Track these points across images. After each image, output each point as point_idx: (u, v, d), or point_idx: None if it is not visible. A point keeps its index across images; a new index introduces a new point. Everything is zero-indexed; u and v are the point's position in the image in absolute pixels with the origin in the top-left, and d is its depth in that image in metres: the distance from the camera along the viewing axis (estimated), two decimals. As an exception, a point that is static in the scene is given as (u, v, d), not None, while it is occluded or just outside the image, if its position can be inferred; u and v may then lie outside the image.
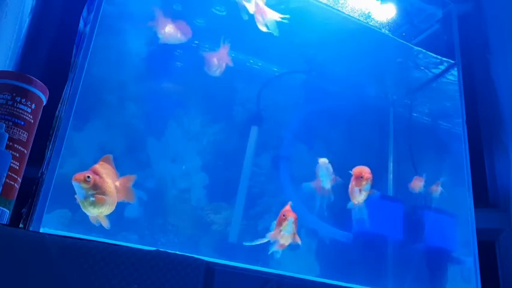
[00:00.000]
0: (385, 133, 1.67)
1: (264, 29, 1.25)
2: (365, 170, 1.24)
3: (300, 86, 1.58)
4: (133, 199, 0.95)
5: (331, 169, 1.29)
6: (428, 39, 1.72)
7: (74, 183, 0.84)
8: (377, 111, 1.70)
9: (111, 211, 0.91)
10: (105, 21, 1.04)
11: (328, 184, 1.29)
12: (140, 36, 1.30)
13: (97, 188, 0.85)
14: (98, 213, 0.88)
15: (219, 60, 1.28)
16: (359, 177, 1.24)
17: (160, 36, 1.22)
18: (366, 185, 1.23)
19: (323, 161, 1.29)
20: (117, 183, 0.91)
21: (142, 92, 1.30)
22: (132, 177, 0.94)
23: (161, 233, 1.20)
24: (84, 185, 0.84)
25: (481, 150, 1.79)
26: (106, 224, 0.91)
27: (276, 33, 1.27)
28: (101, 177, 0.86)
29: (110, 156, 0.92)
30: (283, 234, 1.10)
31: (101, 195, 0.86)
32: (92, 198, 0.85)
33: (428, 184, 1.53)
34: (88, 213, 0.89)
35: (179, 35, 1.24)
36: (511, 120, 1.70)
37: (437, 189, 1.53)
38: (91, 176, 0.84)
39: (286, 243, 1.12)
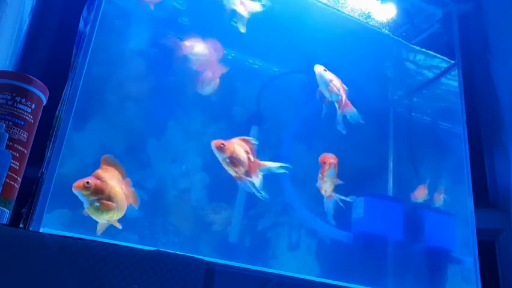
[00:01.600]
0: (385, 133, 1.67)
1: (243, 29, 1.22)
2: (327, 156, 1.21)
3: (300, 86, 1.58)
4: (136, 203, 0.94)
5: (327, 77, 1.22)
6: (428, 39, 1.72)
7: (75, 191, 0.82)
8: (377, 111, 1.70)
9: (122, 214, 0.89)
10: (105, 21, 1.04)
11: (327, 93, 1.23)
12: (140, 36, 1.30)
13: (100, 193, 0.84)
14: (108, 218, 0.87)
15: (212, 72, 1.23)
16: (323, 163, 1.20)
17: (191, 58, 1.19)
18: (328, 170, 1.19)
19: (318, 68, 1.21)
20: (123, 186, 0.90)
21: (142, 92, 1.30)
22: (127, 181, 0.93)
23: (161, 233, 1.20)
24: (85, 192, 0.82)
25: (481, 150, 1.79)
26: (118, 225, 0.89)
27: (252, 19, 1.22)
28: (102, 180, 0.85)
29: (110, 156, 0.90)
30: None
31: (106, 201, 0.84)
32: (96, 204, 0.83)
33: (430, 190, 1.53)
34: (97, 220, 0.87)
35: (210, 52, 1.21)
36: (511, 120, 1.70)
37: (440, 197, 1.52)
38: (90, 182, 0.83)
39: (233, 172, 1.07)
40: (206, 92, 1.24)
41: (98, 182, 0.84)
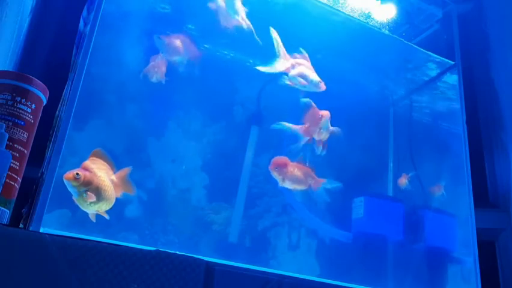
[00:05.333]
0: (385, 133, 1.67)
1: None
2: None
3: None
4: (132, 191, 0.95)
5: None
6: (428, 39, 1.72)
7: (65, 182, 0.83)
8: (377, 111, 1.70)
9: (110, 205, 0.90)
10: (105, 21, 1.04)
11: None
12: (140, 36, 1.30)
13: (89, 184, 0.85)
14: (96, 209, 0.88)
15: (155, 67, 1.25)
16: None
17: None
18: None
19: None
20: (113, 178, 0.90)
21: (142, 92, 1.30)
22: (127, 170, 0.94)
23: (161, 233, 1.20)
24: (74, 183, 0.83)
25: (481, 150, 1.79)
26: (106, 216, 0.91)
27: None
28: (91, 172, 0.85)
29: (100, 150, 0.91)
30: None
31: (92, 193, 0.85)
32: (85, 195, 0.85)
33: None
34: (87, 211, 0.89)
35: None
36: (511, 120, 1.70)
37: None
38: (80, 173, 0.84)
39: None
40: (154, 79, 1.25)
41: (87, 173, 0.85)
